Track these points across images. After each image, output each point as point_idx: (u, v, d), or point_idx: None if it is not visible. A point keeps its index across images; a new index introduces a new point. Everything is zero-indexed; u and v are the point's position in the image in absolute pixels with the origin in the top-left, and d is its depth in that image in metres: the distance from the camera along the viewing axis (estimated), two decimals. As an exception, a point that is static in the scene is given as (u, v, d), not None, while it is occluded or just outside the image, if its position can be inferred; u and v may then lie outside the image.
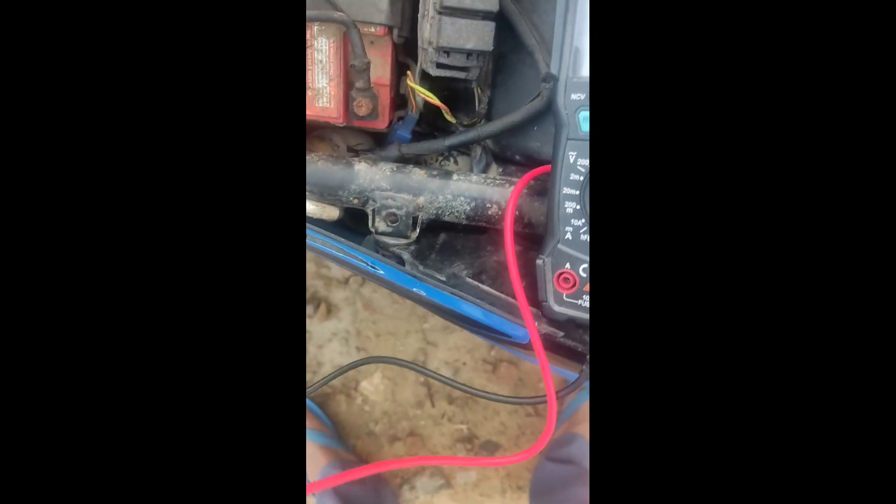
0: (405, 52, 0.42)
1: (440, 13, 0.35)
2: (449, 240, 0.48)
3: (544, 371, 0.36)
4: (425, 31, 0.37)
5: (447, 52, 0.36)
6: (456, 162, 0.47)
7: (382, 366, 1.32)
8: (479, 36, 0.34)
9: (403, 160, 0.44)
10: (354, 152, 0.46)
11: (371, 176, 0.40)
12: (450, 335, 1.37)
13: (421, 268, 0.39)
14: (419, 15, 0.38)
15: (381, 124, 0.42)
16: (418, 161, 0.45)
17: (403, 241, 0.41)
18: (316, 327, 1.32)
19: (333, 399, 1.30)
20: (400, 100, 0.45)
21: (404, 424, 1.26)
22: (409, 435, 1.26)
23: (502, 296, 0.38)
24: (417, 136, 0.46)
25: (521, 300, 0.35)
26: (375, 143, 0.47)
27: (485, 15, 0.35)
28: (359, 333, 1.30)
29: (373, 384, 1.32)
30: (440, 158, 0.46)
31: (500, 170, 0.45)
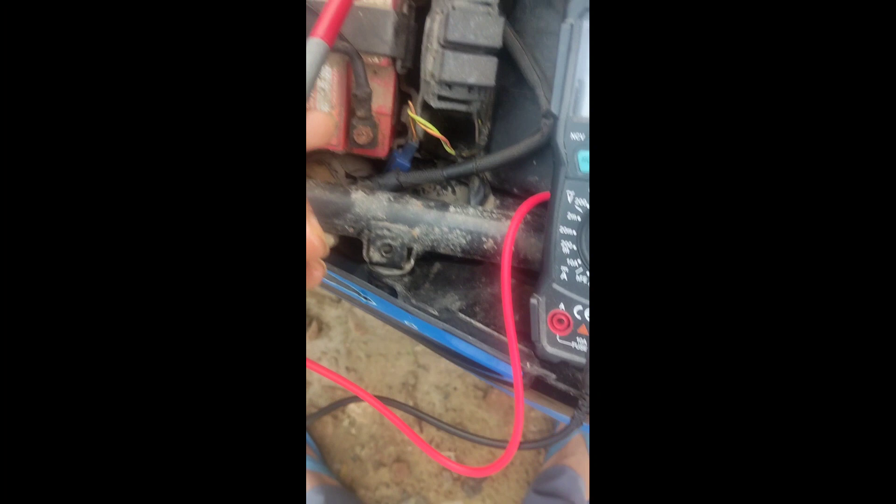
0: (407, 81, 0.42)
1: (444, 47, 0.35)
2: (443, 270, 0.47)
3: (517, 415, 0.35)
4: (428, 63, 0.37)
5: (449, 85, 0.36)
6: (454, 192, 0.46)
7: (371, 388, 1.30)
8: (482, 71, 0.34)
9: (401, 188, 0.44)
10: (353, 178, 0.46)
11: (368, 205, 0.39)
12: (441, 359, 1.35)
13: (413, 301, 0.38)
14: (423, 47, 0.38)
15: (380, 152, 0.42)
16: (416, 189, 0.45)
17: (397, 271, 0.40)
18: (306, 345, 1.30)
19: (320, 420, 1.27)
20: (400, 127, 0.45)
21: (391, 450, 1.23)
22: (395, 461, 1.23)
23: (494, 333, 0.38)
24: (417, 164, 0.46)
25: (512, 341, 0.34)
26: (374, 169, 0.47)
27: (488, 50, 0.35)
28: (349, 353, 1.29)
29: (361, 406, 1.30)
30: (438, 188, 0.46)
31: (498, 202, 0.44)
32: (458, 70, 0.34)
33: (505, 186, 0.43)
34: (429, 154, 0.46)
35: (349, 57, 0.37)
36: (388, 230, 0.39)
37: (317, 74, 0.27)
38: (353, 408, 1.29)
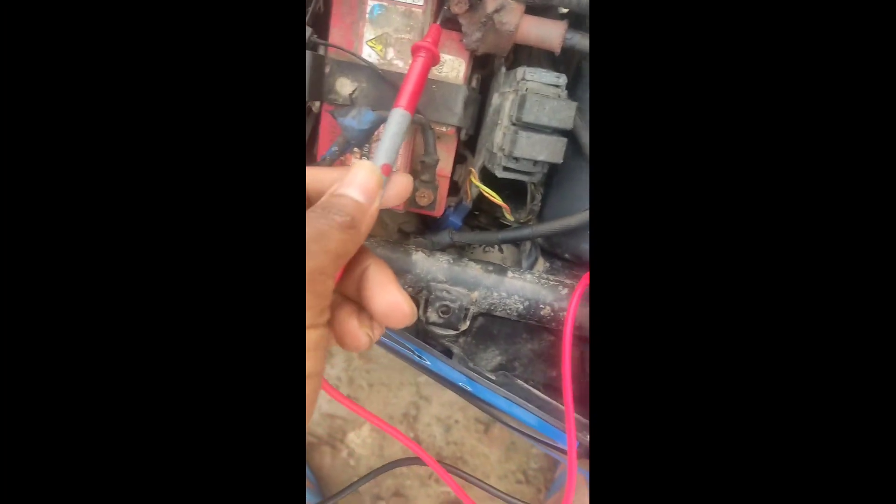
0: (465, 144, 0.44)
1: (516, 125, 0.36)
2: (486, 324, 0.48)
3: (569, 487, 0.36)
4: (497, 137, 0.38)
5: (517, 159, 0.38)
6: (501, 250, 0.48)
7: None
8: (552, 150, 0.36)
9: (454, 246, 0.45)
10: (404, 233, 0.47)
11: (428, 267, 0.40)
12: (443, 390, 1.35)
13: (471, 364, 0.39)
14: (490, 120, 0.40)
15: (437, 213, 0.43)
16: (463, 247, 0.46)
17: (452, 332, 0.41)
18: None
19: (318, 450, 1.25)
20: (453, 185, 0.46)
21: (389, 483, 1.21)
22: (393, 495, 1.21)
23: (551, 401, 0.38)
24: (466, 221, 0.47)
25: (569, 413, 0.35)
26: (422, 223, 0.48)
27: (558, 131, 0.36)
28: (351, 382, 1.27)
29: (360, 437, 1.28)
30: (486, 246, 0.47)
31: (547, 265, 0.46)
32: (529, 148, 0.36)
33: (556, 251, 0.45)
34: (479, 212, 0.47)
35: (421, 126, 0.38)
36: (448, 292, 0.40)
37: (401, 141, 0.28)
38: (352, 437, 1.27)
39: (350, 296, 0.27)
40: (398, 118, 0.28)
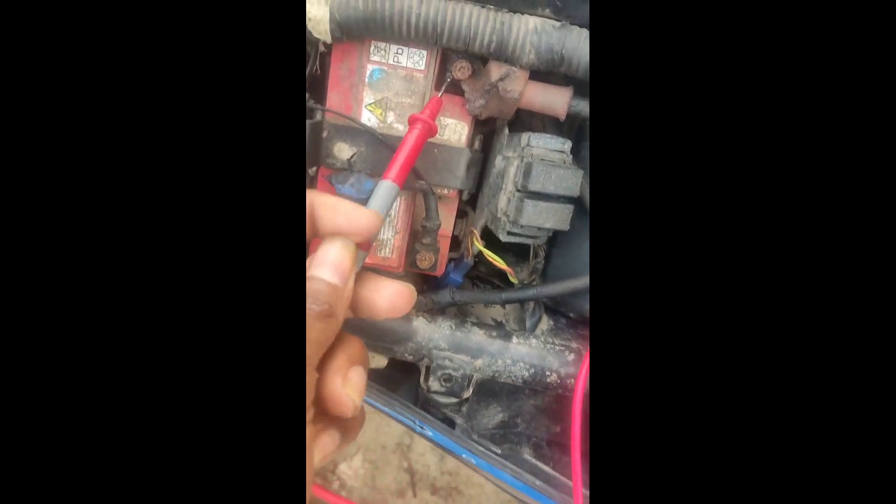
0: (466, 201, 0.43)
1: (521, 192, 0.36)
2: (487, 380, 0.47)
3: None
4: (501, 202, 0.37)
5: (522, 225, 0.37)
6: (503, 306, 0.46)
7: (364, 448, 1.26)
8: (558, 218, 0.35)
9: (454, 304, 0.44)
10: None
11: (430, 334, 0.39)
12: (437, 418, 1.30)
13: (475, 437, 0.37)
14: (493, 182, 0.39)
15: (438, 272, 0.42)
16: (464, 307, 0.45)
17: (454, 400, 0.39)
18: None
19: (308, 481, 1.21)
20: (453, 240, 0.45)
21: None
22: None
23: (559, 476, 0.37)
24: (467, 277, 0.46)
25: (578, 491, 0.34)
26: (423, 281, 0.47)
27: (564, 198, 0.35)
28: (343, 410, 1.25)
29: (352, 468, 1.25)
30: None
31: (552, 323, 0.45)
32: (535, 217, 0.35)
33: (560, 309, 0.44)
34: (480, 263, 0.46)
35: (423, 192, 0.37)
36: (450, 360, 0.38)
37: (388, 213, 0.27)
38: (343, 469, 1.25)
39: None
40: (385, 190, 0.28)
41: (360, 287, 0.25)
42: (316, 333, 0.21)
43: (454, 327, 0.39)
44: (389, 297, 0.25)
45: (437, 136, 0.38)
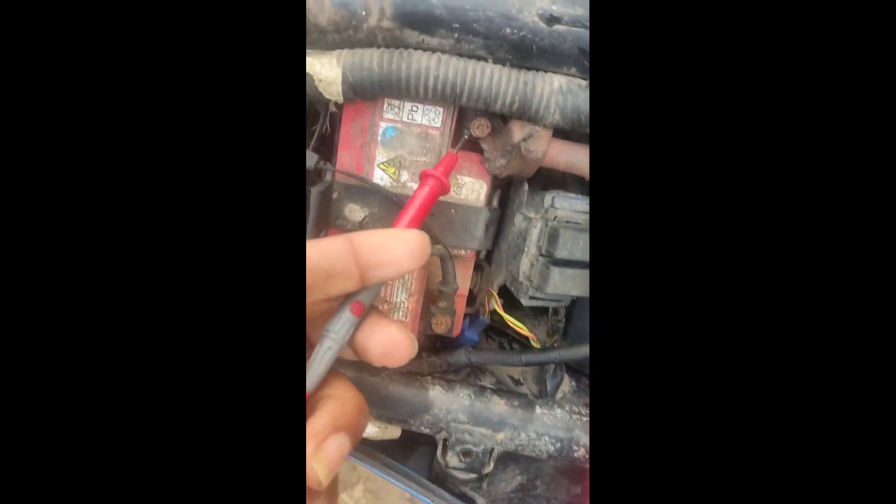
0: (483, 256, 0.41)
1: (545, 258, 0.33)
2: (504, 442, 0.44)
3: None
4: (524, 266, 0.35)
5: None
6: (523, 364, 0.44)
7: (365, 477, 1.22)
8: (584, 285, 0.33)
9: (470, 366, 0.41)
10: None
11: (447, 405, 0.36)
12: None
13: (499, 517, 0.35)
14: (513, 243, 0.37)
15: (454, 334, 0.39)
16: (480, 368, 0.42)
17: (474, 475, 0.37)
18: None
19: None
20: (469, 297, 0.42)
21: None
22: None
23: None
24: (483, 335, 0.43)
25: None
26: (436, 341, 0.44)
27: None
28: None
29: (353, 497, 1.22)
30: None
31: (574, 383, 0.42)
32: (562, 284, 0.32)
33: (583, 370, 0.41)
34: (495, 318, 0.44)
35: (440, 256, 0.35)
36: (470, 434, 0.36)
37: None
38: (344, 498, 1.21)
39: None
40: None
41: (362, 325, 0.23)
42: None
43: (473, 397, 0.37)
44: (384, 344, 0.23)
45: (455, 195, 0.36)
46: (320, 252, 0.21)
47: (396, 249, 0.22)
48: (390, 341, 0.23)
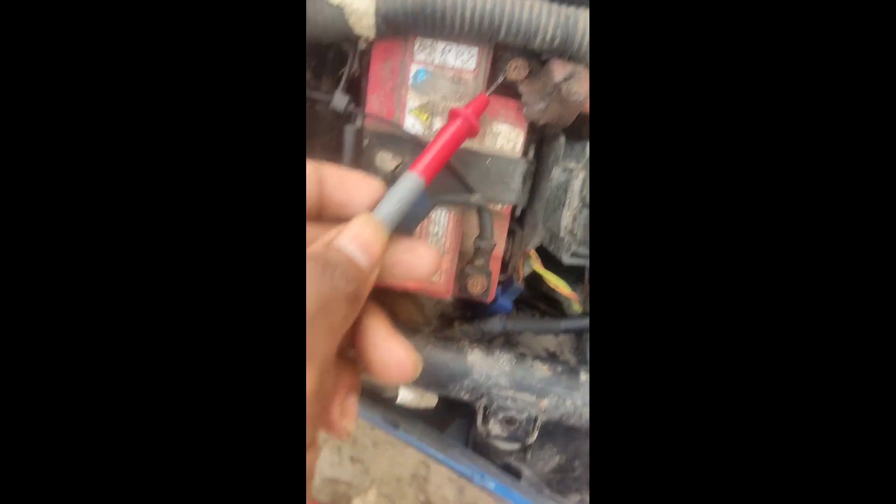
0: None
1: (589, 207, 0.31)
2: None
3: None
4: (565, 219, 0.33)
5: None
6: (557, 335, 0.42)
7: (378, 481, 1.19)
8: (634, 233, 0.31)
9: (506, 333, 0.39)
10: (446, 319, 0.41)
11: (487, 370, 0.34)
12: (454, 447, 1.24)
13: (547, 491, 0.32)
14: (552, 196, 0.35)
15: (488, 299, 0.37)
16: (513, 336, 0.40)
17: (518, 446, 0.34)
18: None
19: (320, 524, 1.15)
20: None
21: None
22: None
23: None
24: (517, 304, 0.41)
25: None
26: (468, 307, 0.42)
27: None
28: (355, 442, 1.18)
29: (366, 502, 1.18)
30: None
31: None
32: (609, 232, 0.30)
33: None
34: (525, 298, 0.42)
35: (477, 208, 0.33)
36: (513, 401, 0.33)
37: (406, 208, 0.23)
38: (358, 503, 1.17)
39: (339, 353, 0.23)
40: (408, 184, 0.24)
41: (365, 336, 0.23)
42: (342, 319, 0.20)
43: (515, 362, 0.34)
44: (388, 363, 0.23)
45: (490, 144, 0.34)
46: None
47: (357, 195, 0.23)
48: (395, 361, 0.23)
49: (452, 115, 0.28)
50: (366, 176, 0.23)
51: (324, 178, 0.22)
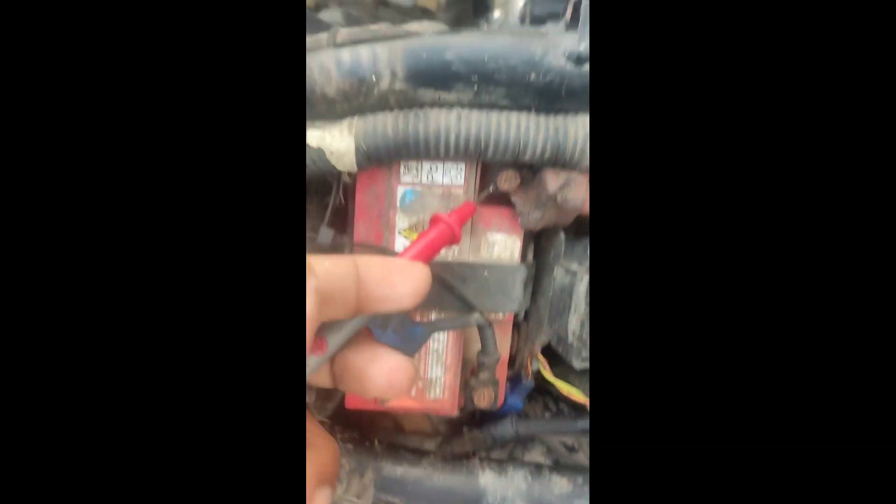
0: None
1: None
2: None
3: None
4: (572, 324, 0.32)
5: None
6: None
7: None
8: (645, 342, 0.29)
9: (519, 439, 0.37)
10: (453, 425, 0.39)
11: (502, 492, 0.32)
12: None
13: None
14: (555, 299, 0.33)
15: (497, 406, 0.35)
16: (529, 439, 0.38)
17: (542, 570, 0.32)
18: None
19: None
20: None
21: None
22: None
23: None
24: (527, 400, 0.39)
25: None
26: (475, 412, 0.40)
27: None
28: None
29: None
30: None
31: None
32: (619, 346, 0.29)
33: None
34: (539, 387, 0.40)
35: (478, 326, 0.31)
36: (533, 524, 0.31)
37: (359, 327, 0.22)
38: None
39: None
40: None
41: (352, 355, 0.22)
42: None
43: (530, 478, 0.33)
44: (386, 373, 0.22)
45: (486, 255, 0.32)
46: (324, 271, 0.19)
47: (400, 286, 0.21)
48: (393, 368, 0.22)
49: (434, 220, 0.27)
50: (403, 262, 0.21)
51: (362, 273, 0.20)
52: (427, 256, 0.25)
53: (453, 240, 0.27)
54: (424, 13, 0.57)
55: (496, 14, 0.53)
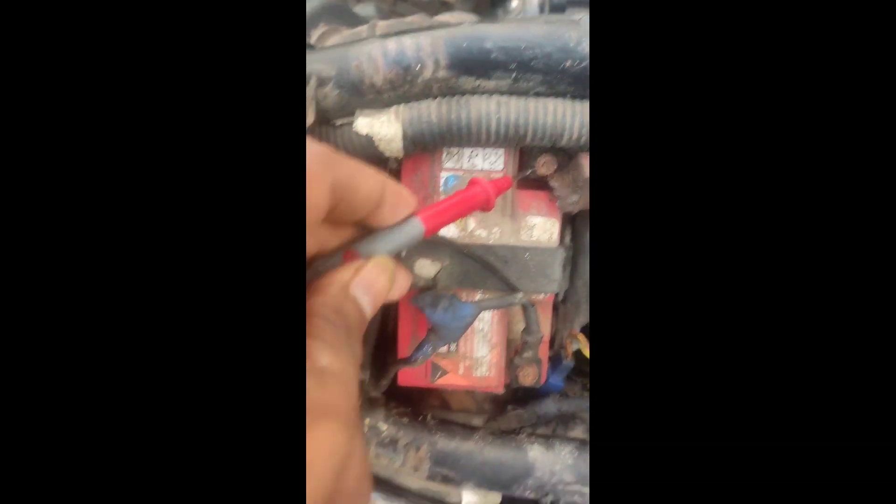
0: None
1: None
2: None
3: None
4: (611, 303, 0.32)
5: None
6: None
7: None
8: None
9: (562, 417, 0.38)
10: (497, 404, 0.40)
11: (551, 466, 0.33)
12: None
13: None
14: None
15: (540, 384, 0.37)
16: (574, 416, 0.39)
17: (590, 541, 0.33)
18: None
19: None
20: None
21: None
22: None
23: None
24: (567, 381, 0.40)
25: None
26: (516, 389, 0.41)
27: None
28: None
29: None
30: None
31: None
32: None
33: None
34: (580, 367, 0.41)
35: (522, 306, 0.33)
36: (581, 496, 0.32)
37: (402, 250, 0.24)
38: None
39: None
40: (409, 228, 0.24)
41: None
42: (352, 367, 0.19)
43: (577, 453, 0.34)
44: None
45: (526, 238, 0.34)
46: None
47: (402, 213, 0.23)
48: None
49: (472, 182, 0.27)
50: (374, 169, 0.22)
51: (389, 187, 0.22)
52: (459, 211, 0.26)
53: (487, 204, 0.27)
54: (443, 5, 0.58)
55: (514, 3, 0.54)
